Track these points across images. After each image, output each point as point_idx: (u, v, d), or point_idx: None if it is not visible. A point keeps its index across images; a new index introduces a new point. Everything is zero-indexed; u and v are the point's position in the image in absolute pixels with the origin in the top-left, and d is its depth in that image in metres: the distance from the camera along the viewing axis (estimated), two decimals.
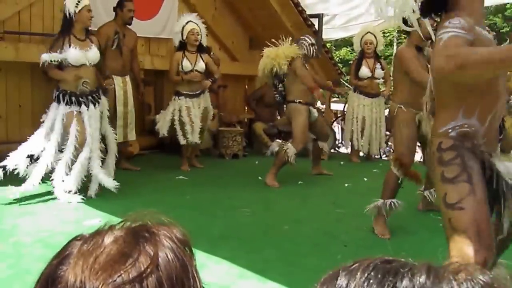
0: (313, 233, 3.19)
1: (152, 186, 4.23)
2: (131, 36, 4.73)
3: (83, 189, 3.67)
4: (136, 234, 0.52)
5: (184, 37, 4.92)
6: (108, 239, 0.51)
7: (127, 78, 4.67)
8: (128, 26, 4.66)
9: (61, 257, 0.51)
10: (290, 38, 4.67)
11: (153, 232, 0.52)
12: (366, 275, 0.44)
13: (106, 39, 4.41)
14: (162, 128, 4.92)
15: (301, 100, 4.48)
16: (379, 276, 0.43)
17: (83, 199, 3.56)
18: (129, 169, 4.74)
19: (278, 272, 2.49)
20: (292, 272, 2.51)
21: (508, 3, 14.72)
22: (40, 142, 3.59)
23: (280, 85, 4.62)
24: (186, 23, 4.93)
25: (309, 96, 4.54)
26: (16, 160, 3.48)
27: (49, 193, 3.67)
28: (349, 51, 16.91)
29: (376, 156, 6.38)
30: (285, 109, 4.89)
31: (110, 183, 3.70)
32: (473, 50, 1.56)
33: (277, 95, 4.70)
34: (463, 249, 1.63)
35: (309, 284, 2.00)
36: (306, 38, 4.68)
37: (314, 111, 4.66)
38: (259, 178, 4.80)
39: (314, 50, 4.66)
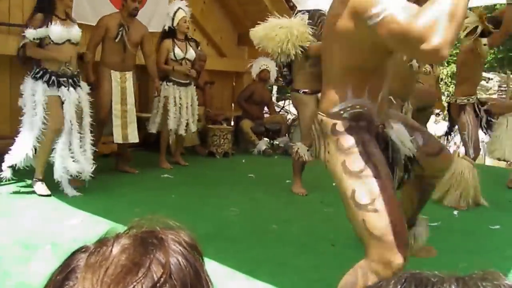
0: (301, 232, 3.17)
1: (136, 184, 4.14)
2: (137, 30, 4.43)
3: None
4: (144, 241, 0.50)
5: (175, 24, 4.80)
6: (116, 249, 0.48)
7: (128, 74, 4.39)
8: (134, 18, 4.40)
9: (66, 272, 0.49)
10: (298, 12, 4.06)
11: (161, 238, 0.50)
12: (399, 287, 0.45)
13: (105, 30, 4.19)
14: (153, 126, 4.86)
15: (306, 90, 4.04)
16: (413, 285, 0.44)
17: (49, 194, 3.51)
18: (127, 171, 4.54)
19: (267, 272, 2.47)
20: (281, 272, 2.49)
21: (497, 4, 14.85)
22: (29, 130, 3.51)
23: (285, 69, 4.17)
24: (177, 10, 4.80)
25: (316, 83, 4.11)
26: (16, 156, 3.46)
27: (28, 192, 3.58)
28: None
29: None
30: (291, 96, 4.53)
31: (87, 168, 3.59)
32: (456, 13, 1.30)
33: (282, 81, 4.34)
34: (384, 254, 1.54)
35: (297, 283, 1.95)
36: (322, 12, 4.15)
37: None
38: (250, 175, 4.75)
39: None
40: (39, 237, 2.70)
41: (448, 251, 2.94)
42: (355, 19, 1.47)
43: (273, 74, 6.59)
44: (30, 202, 3.42)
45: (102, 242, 0.51)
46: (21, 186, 3.71)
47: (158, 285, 0.46)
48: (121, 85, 4.32)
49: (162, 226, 0.53)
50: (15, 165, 3.45)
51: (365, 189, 1.55)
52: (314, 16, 4.05)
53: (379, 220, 1.54)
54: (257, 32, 3.94)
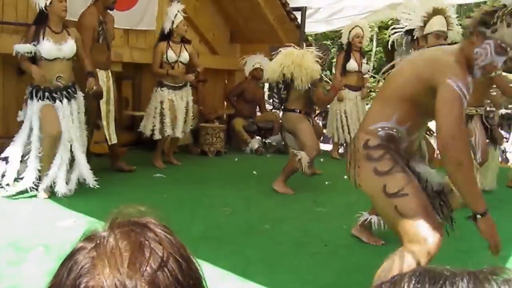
0: (294, 232, 3.17)
1: (128, 184, 4.12)
2: (110, 21, 4.36)
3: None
4: (133, 227, 0.53)
5: (175, 26, 4.77)
6: (115, 238, 0.51)
7: (110, 73, 4.35)
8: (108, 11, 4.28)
9: (77, 271, 0.50)
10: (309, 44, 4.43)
11: (144, 223, 0.54)
12: (413, 281, 0.46)
13: (93, 31, 4.10)
14: (147, 128, 4.82)
15: (301, 110, 4.32)
16: (427, 279, 0.45)
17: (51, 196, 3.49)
18: (125, 169, 4.50)
19: (260, 272, 2.47)
20: (274, 273, 2.49)
21: (487, 0, 14.92)
22: (20, 145, 3.51)
23: (284, 91, 4.39)
24: (177, 13, 4.77)
25: (308, 107, 4.44)
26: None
27: (20, 194, 3.53)
28: (328, 45, 16.95)
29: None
30: (281, 117, 4.70)
31: (90, 178, 3.66)
32: (473, 174, 1.75)
33: (276, 100, 4.52)
34: (419, 232, 1.69)
35: (291, 284, 1.95)
36: (323, 50, 4.59)
37: (310, 120, 4.56)
38: (254, 172, 4.77)
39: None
40: (31, 239, 2.67)
41: (440, 250, 2.96)
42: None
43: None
44: (22, 203, 3.39)
45: (92, 238, 0.52)
46: (13, 188, 3.67)
47: (165, 259, 0.50)
48: (106, 84, 4.26)
49: (135, 215, 0.56)
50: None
51: (394, 181, 1.77)
52: (322, 49, 4.53)
53: (410, 202, 1.73)
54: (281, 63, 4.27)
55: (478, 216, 1.74)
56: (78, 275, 0.49)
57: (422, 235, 1.69)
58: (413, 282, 0.45)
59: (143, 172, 4.56)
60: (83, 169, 3.63)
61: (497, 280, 0.45)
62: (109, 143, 4.34)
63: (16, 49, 3.44)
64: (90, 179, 3.65)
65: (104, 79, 4.25)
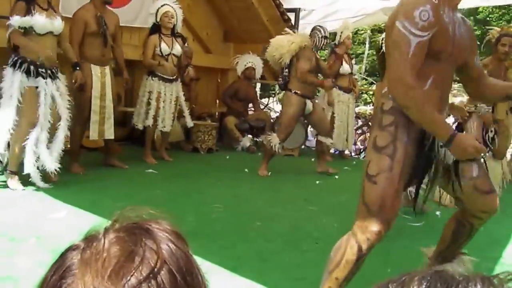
0: (285, 229, 3.18)
1: (121, 179, 4.11)
2: (112, 19, 4.27)
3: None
4: (132, 231, 0.51)
5: (158, 19, 4.82)
6: (107, 242, 0.49)
7: (107, 69, 4.31)
8: (107, 7, 4.27)
9: (62, 271, 0.48)
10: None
11: (147, 228, 0.51)
12: (423, 285, 0.44)
13: (83, 25, 4.09)
14: (138, 120, 4.84)
15: (297, 91, 4.54)
16: (439, 285, 0.43)
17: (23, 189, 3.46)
18: (117, 166, 4.49)
19: (250, 268, 2.47)
20: (264, 269, 2.50)
21: (480, 6, 15.14)
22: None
23: (286, 70, 4.67)
24: (162, 6, 4.83)
25: (309, 89, 4.63)
26: None
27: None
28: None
29: (348, 154, 6.46)
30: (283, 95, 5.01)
31: (51, 165, 3.50)
32: (427, 108, 1.69)
33: (280, 79, 4.75)
34: (365, 220, 1.75)
35: (280, 281, 1.98)
36: (321, 29, 4.73)
37: (311, 104, 4.68)
38: (245, 170, 4.79)
39: (325, 43, 4.77)
40: (24, 230, 2.66)
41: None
42: None
43: (258, 72, 6.59)
44: (15, 195, 3.37)
45: (90, 238, 0.51)
46: (3, 179, 3.65)
47: (155, 270, 0.47)
48: (101, 80, 4.24)
49: (143, 218, 0.54)
50: None
51: (377, 163, 1.76)
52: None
53: (373, 192, 1.75)
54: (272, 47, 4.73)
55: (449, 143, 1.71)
56: (61, 275, 0.48)
57: (366, 223, 1.74)
58: (423, 285, 0.44)
59: (135, 168, 4.55)
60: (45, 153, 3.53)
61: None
62: (90, 138, 4.32)
63: (12, 22, 3.42)
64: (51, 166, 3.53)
65: (98, 75, 4.23)
